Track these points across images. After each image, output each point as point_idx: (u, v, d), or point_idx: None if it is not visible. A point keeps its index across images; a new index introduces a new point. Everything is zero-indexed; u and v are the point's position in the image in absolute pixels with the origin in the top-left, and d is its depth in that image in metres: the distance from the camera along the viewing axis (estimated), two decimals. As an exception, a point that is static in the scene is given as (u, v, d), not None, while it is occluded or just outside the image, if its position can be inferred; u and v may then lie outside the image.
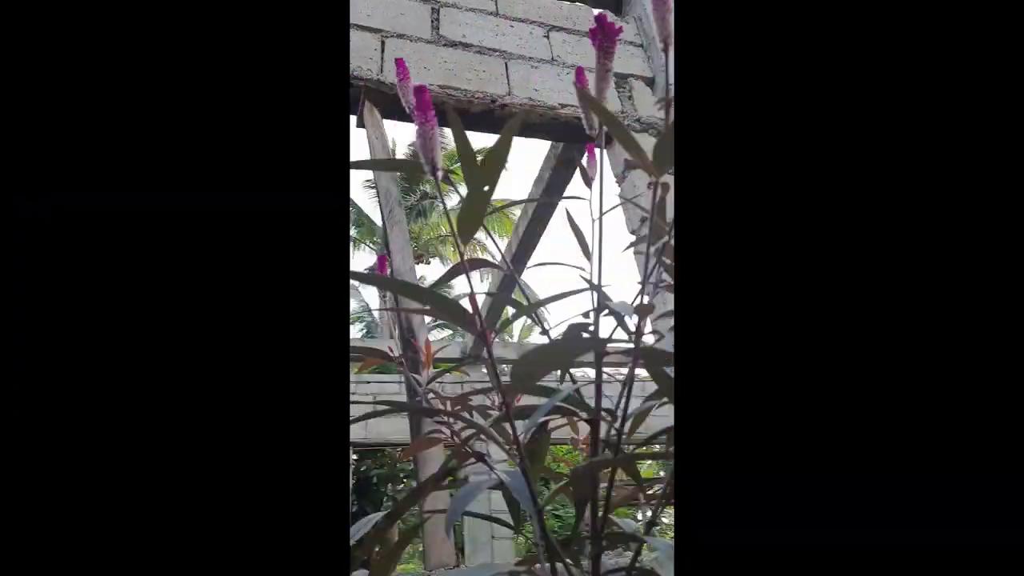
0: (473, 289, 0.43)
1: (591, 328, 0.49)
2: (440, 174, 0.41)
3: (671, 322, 0.40)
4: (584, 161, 0.63)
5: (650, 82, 1.89)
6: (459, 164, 0.40)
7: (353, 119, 1.58)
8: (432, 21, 1.73)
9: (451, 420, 0.59)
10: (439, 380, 0.68)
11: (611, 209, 0.61)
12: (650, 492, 0.53)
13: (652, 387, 0.47)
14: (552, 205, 2.87)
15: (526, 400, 0.53)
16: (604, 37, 0.53)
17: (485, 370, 0.64)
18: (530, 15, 1.87)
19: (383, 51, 1.63)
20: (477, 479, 0.49)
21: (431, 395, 0.63)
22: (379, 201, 1.74)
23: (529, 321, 0.70)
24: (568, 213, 0.66)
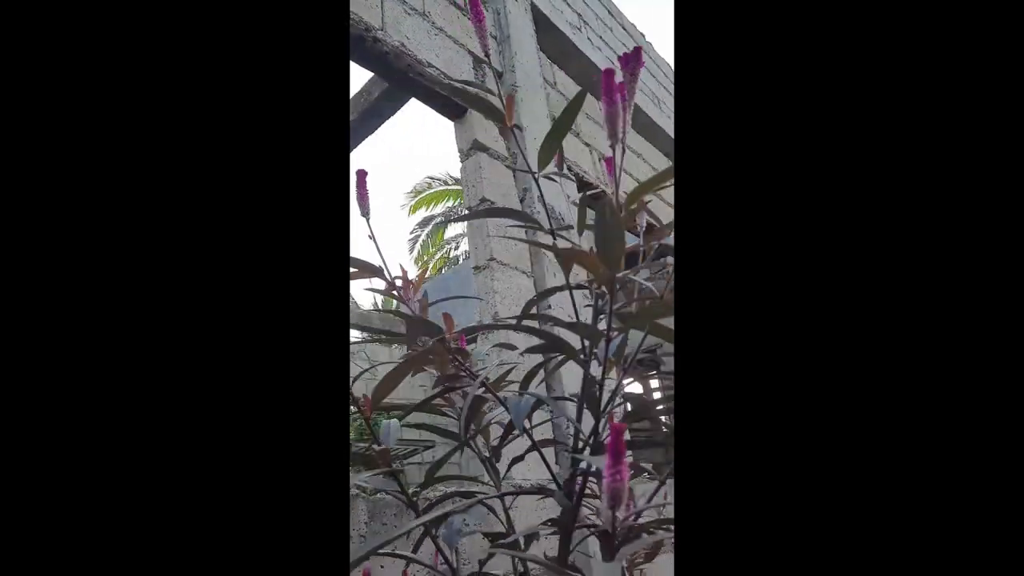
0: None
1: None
2: (621, 146, 0.49)
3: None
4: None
5: (499, 75, 2.04)
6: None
7: None
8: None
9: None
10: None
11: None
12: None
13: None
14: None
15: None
16: (635, 63, 0.66)
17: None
18: (411, -41, 1.82)
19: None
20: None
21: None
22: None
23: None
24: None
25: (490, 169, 1.75)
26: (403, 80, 1.68)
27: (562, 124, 0.57)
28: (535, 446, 0.60)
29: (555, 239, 0.61)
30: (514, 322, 0.62)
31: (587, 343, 0.59)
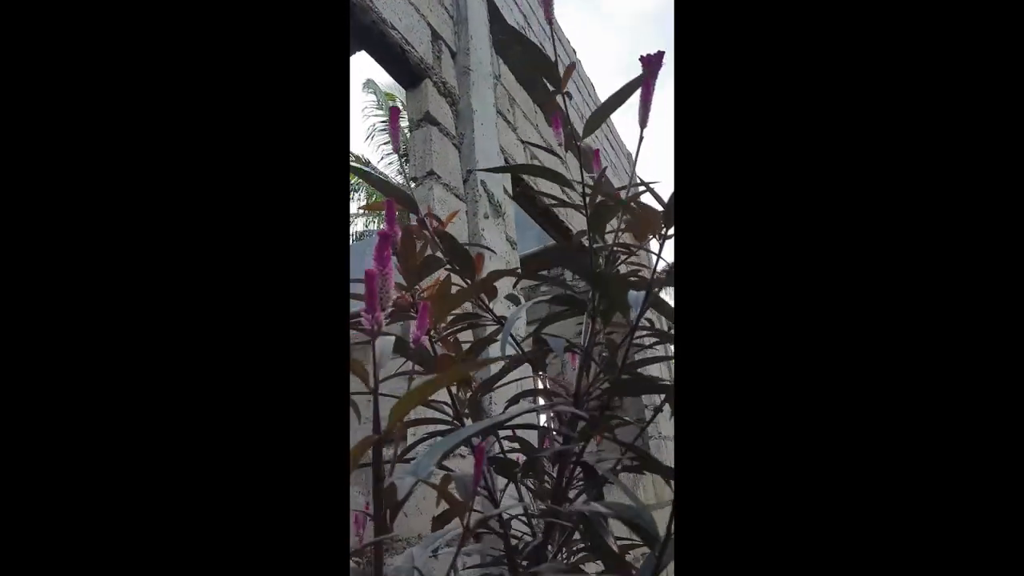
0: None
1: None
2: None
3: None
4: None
5: (453, 54, 2.05)
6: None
7: None
8: None
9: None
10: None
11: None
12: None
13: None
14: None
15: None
16: (657, 64, 0.75)
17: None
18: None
19: None
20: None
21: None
22: None
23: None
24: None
25: (439, 143, 1.75)
26: (365, 35, 1.64)
27: (615, 100, 0.63)
28: (546, 387, 0.65)
29: (585, 200, 0.67)
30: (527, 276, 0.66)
31: (596, 298, 0.65)
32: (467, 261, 0.61)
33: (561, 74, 0.64)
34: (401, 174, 9.12)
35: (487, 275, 0.64)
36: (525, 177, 2.41)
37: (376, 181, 0.66)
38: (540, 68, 0.63)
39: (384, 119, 8.81)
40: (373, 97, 8.74)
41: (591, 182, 0.69)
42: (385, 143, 9.03)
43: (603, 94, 4.33)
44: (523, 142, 2.49)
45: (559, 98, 0.65)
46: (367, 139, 8.91)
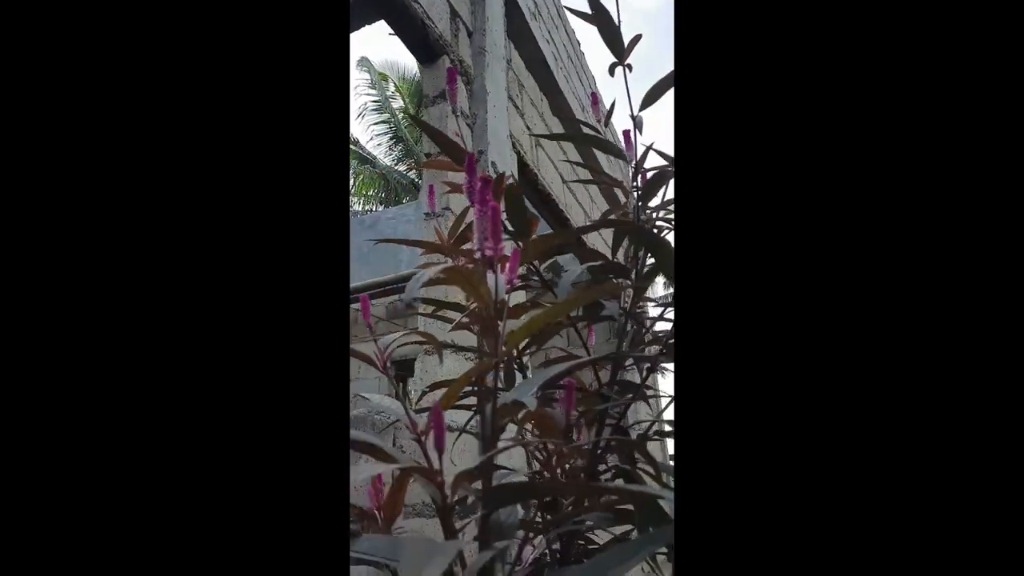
0: None
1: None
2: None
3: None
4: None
5: (469, 34, 2.05)
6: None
7: None
8: None
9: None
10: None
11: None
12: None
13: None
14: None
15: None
16: None
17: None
18: None
19: None
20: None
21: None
22: None
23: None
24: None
25: (453, 122, 1.76)
26: (387, 4, 1.63)
27: (671, 79, 0.65)
28: (586, 347, 0.67)
29: (635, 170, 0.69)
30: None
31: (641, 264, 0.68)
32: (526, 223, 0.63)
33: (625, 44, 0.66)
34: (390, 155, 9.02)
35: (538, 237, 0.65)
36: (530, 164, 2.43)
37: (430, 130, 0.68)
38: (607, 33, 0.65)
39: (376, 99, 8.70)
40: (367, 76, 8.62)
41: (603, 165, 0.72)
42: (375, 123, 8.92)
43: (602, 90, 4.37)
44: (574, 119, 2.49)
45: (620, 69, 0.67)
46: (358, 117, 8.77)
